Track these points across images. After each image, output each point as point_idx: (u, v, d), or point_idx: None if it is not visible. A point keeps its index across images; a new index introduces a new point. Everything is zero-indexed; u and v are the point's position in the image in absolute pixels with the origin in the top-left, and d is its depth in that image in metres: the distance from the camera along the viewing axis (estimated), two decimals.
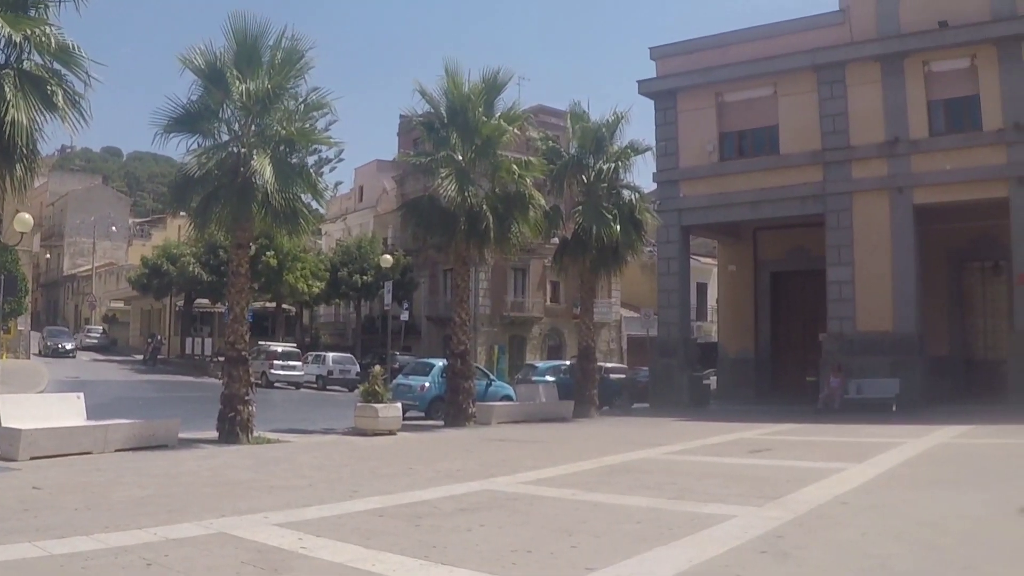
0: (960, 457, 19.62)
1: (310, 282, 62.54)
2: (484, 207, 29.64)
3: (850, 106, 36.78)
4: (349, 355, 57.86)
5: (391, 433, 25.26)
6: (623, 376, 45.36)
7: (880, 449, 20.30)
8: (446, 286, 62.59)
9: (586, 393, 35.02)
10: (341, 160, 71.17)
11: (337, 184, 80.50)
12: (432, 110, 30.55)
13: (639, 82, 41.71)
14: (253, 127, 23.23)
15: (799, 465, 17.84)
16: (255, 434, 22.85)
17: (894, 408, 33.16)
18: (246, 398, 22.87)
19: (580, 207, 35.13)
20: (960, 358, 40.22)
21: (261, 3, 26.22)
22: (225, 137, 23.35)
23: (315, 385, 53.88)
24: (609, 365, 49.52)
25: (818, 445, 22.57)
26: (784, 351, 44.08)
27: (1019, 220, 33.33)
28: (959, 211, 36.32)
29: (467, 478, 15.78)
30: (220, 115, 23.19)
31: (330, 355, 56.42)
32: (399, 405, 26.65)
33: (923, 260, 36.77)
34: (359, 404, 25.86)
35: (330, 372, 54.29)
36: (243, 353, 23.34)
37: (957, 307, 40.85)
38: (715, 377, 45.45)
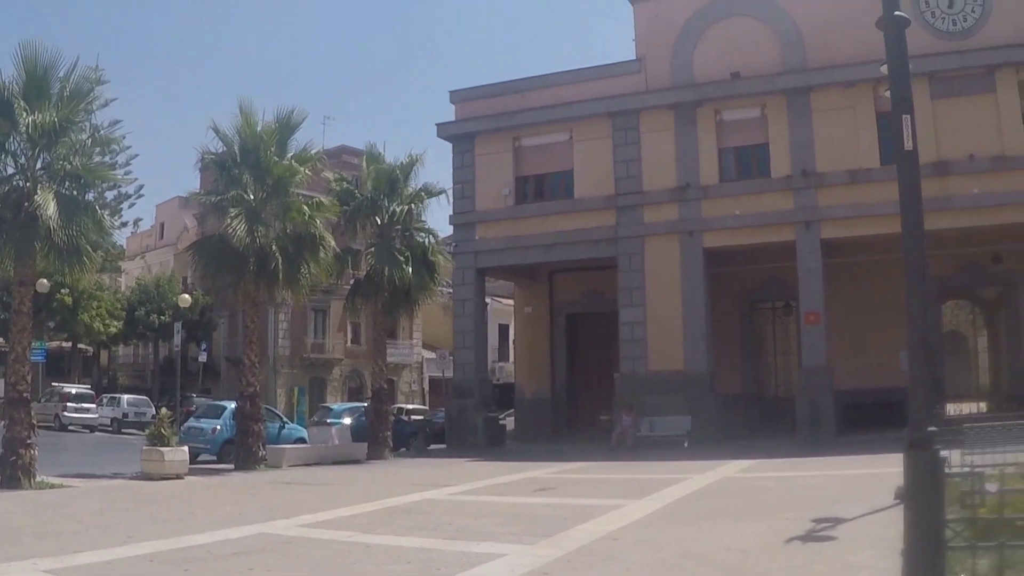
0: (741, 491, 20.00)
1: (107, 321, 60.95)
2: (274, 247, 29.29)
3: (643, 152, 37.46)
4: (145, 397, 56.42)
5: (178, 477, 24.61)
6: (421, 417, 45.19)
7: (664, 485, 20.58)
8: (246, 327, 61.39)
9: (379, 435, 34.70)
10: (141, 196, 69.50)
11: (137, 221, 78.47)
12: (226, 148, 30.07)
13: (438, 125, 41.70)
14: (40, 161, 22.50)
15: (580, 503, 17.96)
16: (38, 479, 22.00)
17: (686, 444, 33.60)
18: (28, 441, 21.95)
19: (373, 248, 35.01)
20: (753, 395, 41.15)
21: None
22: (11, 170, 22.58)
23: (110, 428, 52.13)
24: (410, 407, 49.35)
25: (604, 482, 22.82)
26: (580, 391, 44.46)
27: (805, 262, 34.48)
28: (749, 254, 37.41)
29: (246, 522, 15.48)
30: (6, 147, 22.41)
31: (125, 397, 55.09)
32: (186, 448, 26.04)
33: (715, 301, 37.56)
34: (145, 448, 25.26)
35: (125, 415, 52.89)
36: (24, 395, 22.43)
37: (749, 346, 41.83)
38: (513, 417, 45.55)
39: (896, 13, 9.12)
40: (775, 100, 35.95)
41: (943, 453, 8.35)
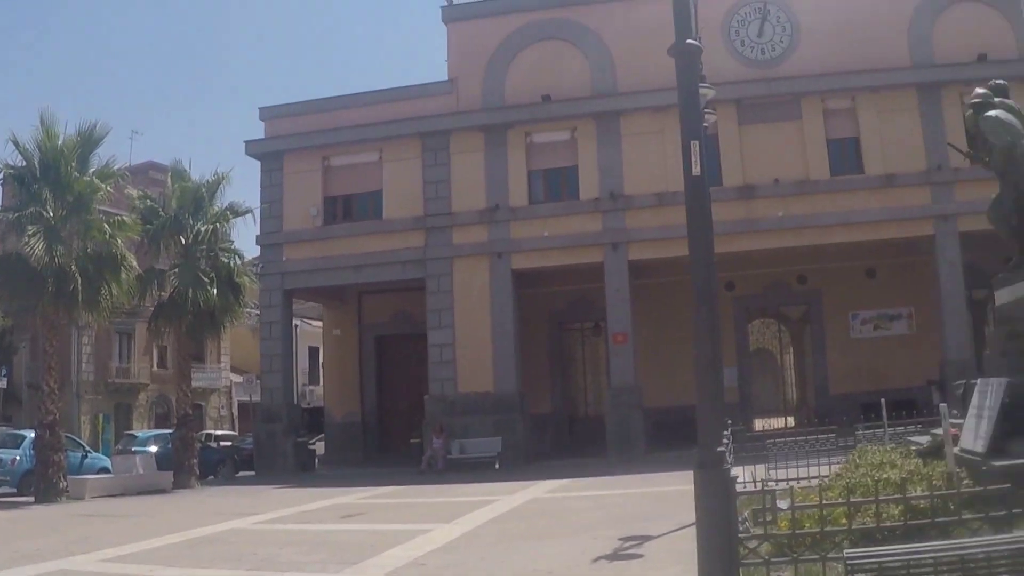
0: (550, 511, 19.97)
1: None
2: (74, 268, 28.30)
3: (453, 174, 37.38)
4: None
5: None
6: (229, 444, 44.20)
7: (473, 507, 20.50)
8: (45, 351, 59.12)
9: (186, 463, 33.72)
10: None
11: None
12: (26, 163, 28.97)
13: (246, 143, 40.74)
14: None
15: (389, 528, 17.73)
16: None
17: (497, 466, 33.68)
18: None
19: (176, 269, 34.17)
20: (564, 415, 41.55)
21: None
22: None
23: None
24: (219, 432, 48.16)
25: (414, 507, 22.64)
26: (391, 414, 44.12)
27: (612, 283, 34.95)
28: (559, 275, 37.76)
29: (44, 558, 14.84)
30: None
31: None
32: None
33: (524, 322, 37.78)
34: None
35: None
36: None
37: (559, 366, 42.20)
38: (323, 442, 44.94)
39: (688, 41, 9.23)
40: (585, 123, 36.38)
41: (735, 471, 8.45)
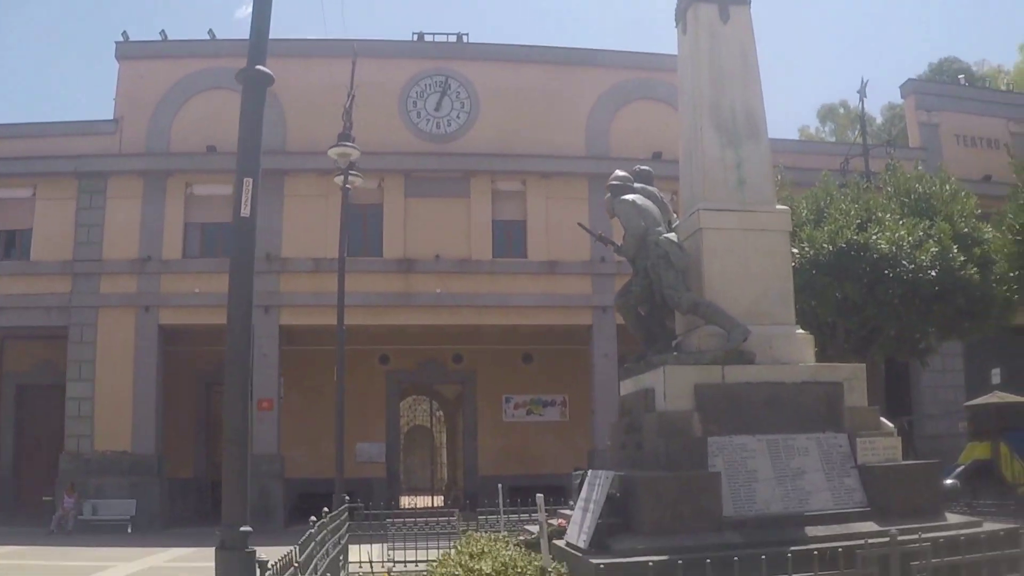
0: None
1: None
2: None
3: (108, 218, 35.39)
4: None
5: None
6: None
7: (87, 573, 19.35)
8: None
9: None
10: None
11: None
12: None
13: None
14: None
15: None
16: None
17: (129, 530, 32.04)
18: None
19: None
20: (207, 480, 39.73)
21: None
22: None
23: None
24: None
25: (28, 570, 21.13)
26: (29, 469, 41.14)
27: (261, 348, 33.13)
28: (210, 335, 35.66)
29: None
30: None
31: None
32: None
33: (172, 381, 36.13)
34: None
35: None
36: None
37: (205, 430, 40.35)
38: None
39: (258, 68, 8.75)
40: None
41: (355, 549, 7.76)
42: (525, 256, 35.64)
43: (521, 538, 13.16)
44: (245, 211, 8.32)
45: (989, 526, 12.79)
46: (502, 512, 18.08)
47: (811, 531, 11.74)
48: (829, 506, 12.48)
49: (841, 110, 72.76)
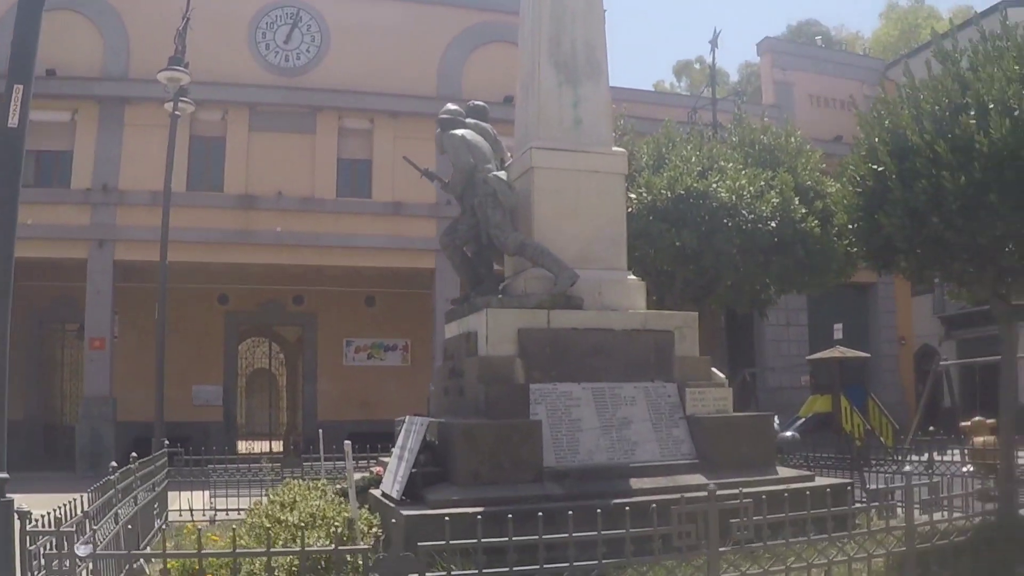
0: None
1: None
2: None
3: None
4: None
5: None
6: None
7: None
8: None
9: None
10: None
11: None
12: None
13: None
14: None
15: None
16: None
17: None
18: None
19: None
20: (39, 422, 38.04)
21: None
22: None
23: None
24: None
25: None
26: None
27: (95, 284, 32.44)
28: (43, 269, 34.10)
29: None
30: None
31: None
32: None
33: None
34: None
35: None
36: None
37: (37, 370, 38.55)
38: None
39: None
40: (88, 106, 33.31)
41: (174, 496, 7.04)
42: (370, 196, 34.67)
43: (339, 486, 12.59)
44: (13, 121, 7.50)
45: (821, 481, 12.66)
46: (323, 459, 17.42)
47: (636, 483, 11.41)
48: (656, 457, 12.16)
49: (697, 66, 73.29)
